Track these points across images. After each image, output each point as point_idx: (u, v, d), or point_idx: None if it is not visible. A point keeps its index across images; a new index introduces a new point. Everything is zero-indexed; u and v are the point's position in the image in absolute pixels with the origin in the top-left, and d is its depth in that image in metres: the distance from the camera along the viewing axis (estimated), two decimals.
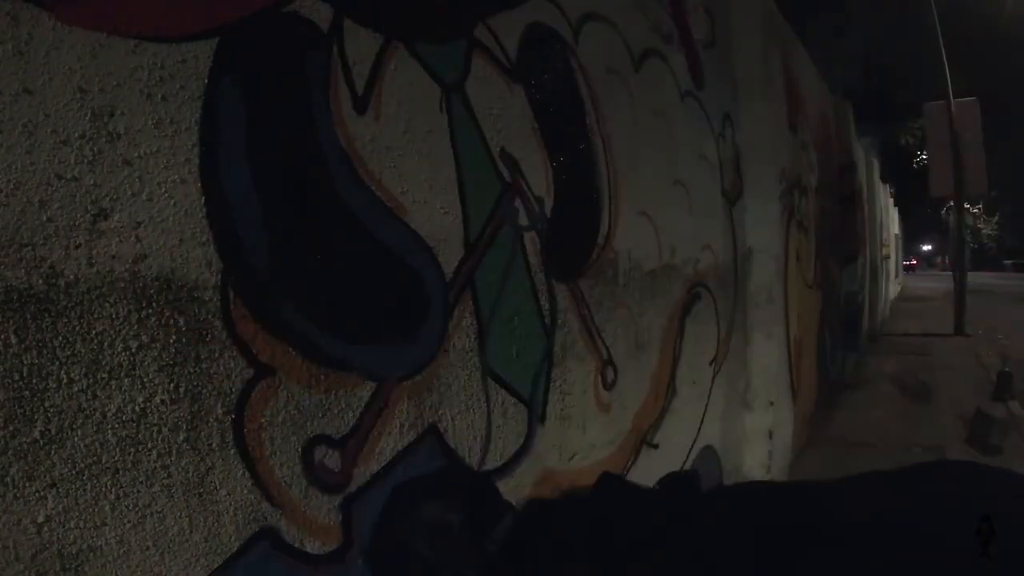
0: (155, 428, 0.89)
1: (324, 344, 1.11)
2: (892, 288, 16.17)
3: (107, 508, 0.84)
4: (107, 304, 0.85)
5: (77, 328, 0.82)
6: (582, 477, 1.78)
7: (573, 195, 1.81)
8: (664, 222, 2.34)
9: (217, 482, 0.96)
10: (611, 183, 2.00)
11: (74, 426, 0.81)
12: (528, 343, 1.61)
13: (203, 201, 0.95)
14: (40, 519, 0.78)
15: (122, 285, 0.86)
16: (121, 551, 0.85)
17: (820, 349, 5.11)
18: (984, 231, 48.32)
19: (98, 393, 0.84)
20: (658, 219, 2.29)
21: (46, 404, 0.79)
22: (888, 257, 13.55)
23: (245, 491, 0.99)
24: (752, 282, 3.28)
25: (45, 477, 0.79)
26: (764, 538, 0.80)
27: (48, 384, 0.79)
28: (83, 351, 0.82)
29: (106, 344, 0.84)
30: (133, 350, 0.87)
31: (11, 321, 0.76)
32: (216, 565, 0.95)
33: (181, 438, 0.92)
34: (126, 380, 0.86)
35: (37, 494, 0.78)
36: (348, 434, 1.16)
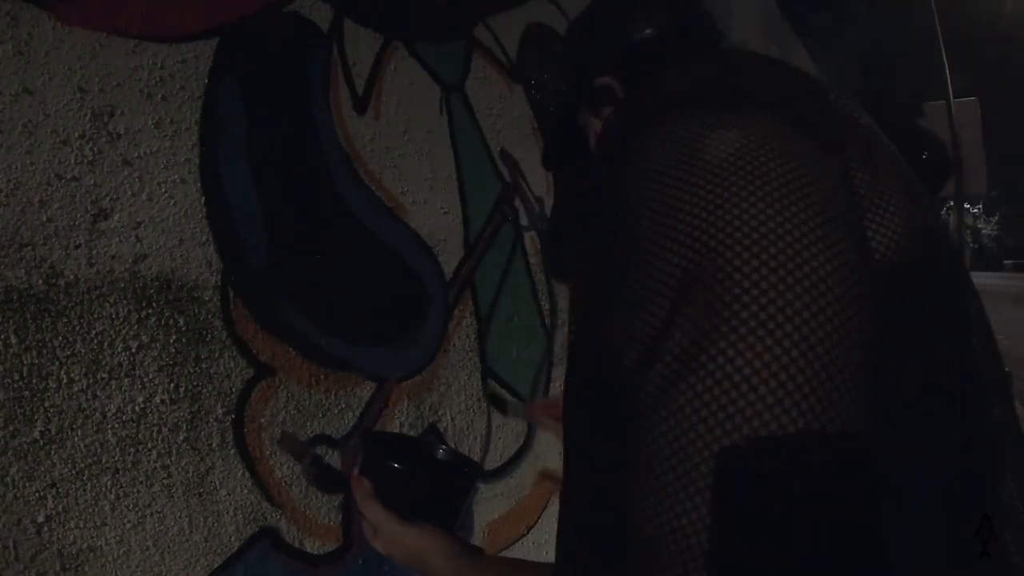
0: (155, 428, 0.89)
1: (324, 344, 1.11)
2: None
3: (107, 508, 0.84)
4: (107, 304, 0.85)
5: (77, 328, 0.82)
6: None
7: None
8: None
9: (217, 482, 0.96)
10: None
11: (74, 426, 0.81)
12: (528, 343, 1.61)
13: (203, 201, 0.95)
14: (40, 519, 0.78)
15: (122, 285, 0.86)
16: (121, 551, 0.85)
17: None
18: (984, 231, 48.35)
19: (98, 393, 0.83)
20: None
21: (46, 404, 0.79)
22: None
23: (245, 491, 0.99)
24: None
25: (45, 477, 0.79)
26: None
27: (48, 384, 0.79)
28: (83, 351, 0.82)
29: (106, 344, 0.84)
30: (133, 350, 0.87)
31: (11, 321, 0.76)
32: (216, 565, 0.95)
33: (181, 438, 0.92)
34: (126, 380, 0.86)
35: (37, 494, 0.78)
36: (348, 434, 1.16)
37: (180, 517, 0.91)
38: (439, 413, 1.35)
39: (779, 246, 0.38)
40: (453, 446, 1.38)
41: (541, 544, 1.62)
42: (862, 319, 0.38)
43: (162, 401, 0.90)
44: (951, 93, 10.57)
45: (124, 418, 0.86)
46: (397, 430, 1.25)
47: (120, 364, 0.86)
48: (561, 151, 0.76)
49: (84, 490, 0.82)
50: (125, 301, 0.86)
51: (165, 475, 0.90)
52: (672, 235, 0.40)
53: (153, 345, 0.89)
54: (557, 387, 1.72)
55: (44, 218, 0.80)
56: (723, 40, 0.64)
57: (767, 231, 0.38)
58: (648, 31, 0.61)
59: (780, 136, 0.42)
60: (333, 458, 1.13)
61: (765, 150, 0.41)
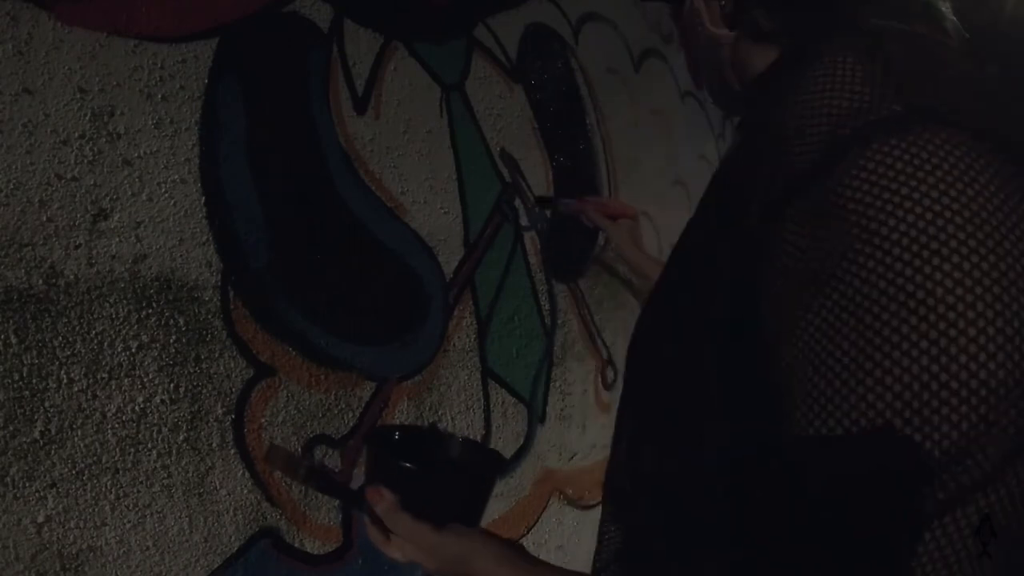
0: (155, 428, 0.89)
1: (324, 344, 1.11)
2: None
3: (107, 508, 0.84)
4: (107, 304, 0.85)
5: (77, 328, 0.82)
6: (583, 477, 1.78)
7: (573, 195, 1.81)
8: (664, 222, 2.34)
9: (217, 482, 0.96)
10: (611, 183, 2.00)
11: (74, 426, 0.81)
12: (528, 343, 1.61)
13: (203, 201, 0.95)
14: (40, 519, 0.78)
15: (122, 285, 0.86)
16: (121, 551, 0.85)
17: None
18: None
19: (98, 393, 0.84)
20: (658, 219, 2.29)
21: (46, 404, 0.79)
22: None
23: (245, 491, 0.99)
24: None
25: (45, 477, 0.79)
26: None
27: (48, 384, 0.79)
28: (83, 351, 0.82)
29: (106, 344, 0.84)
30: (133, 350, 0.87)
31: (11, 321, 0.76)
32: (216, 565, 0.95)
33: (181, 438, 0.92)
34: (126, 380, 0.86)
35: (37, 494, 0.78)
36: (348, 434, 1.16)
37: (180, 517, 0.91)
38: (439, 413, 1.35)
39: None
40: None
41: (541, 544, 1.62)
42: None
43: (162, 401, 0.90)
44: None
45: (124, 418, 0.86)
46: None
47: (120, 364, 0.86)
48: None
49: (84, 490, 0.82)
50: (125, 301, 0.87)
51: (165, 475, 0.90)
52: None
53: (153, 345, 0.89)
54: (558, 387, 1.72)
55: (44, 218, 0.80)
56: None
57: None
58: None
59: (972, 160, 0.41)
60: (333, 458, 1.13)
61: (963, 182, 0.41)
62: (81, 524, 0.82)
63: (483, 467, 0.72)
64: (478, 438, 1.45)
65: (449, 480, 0.66)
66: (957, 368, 0.37)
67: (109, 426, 0.84)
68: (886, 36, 0.50)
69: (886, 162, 0.42)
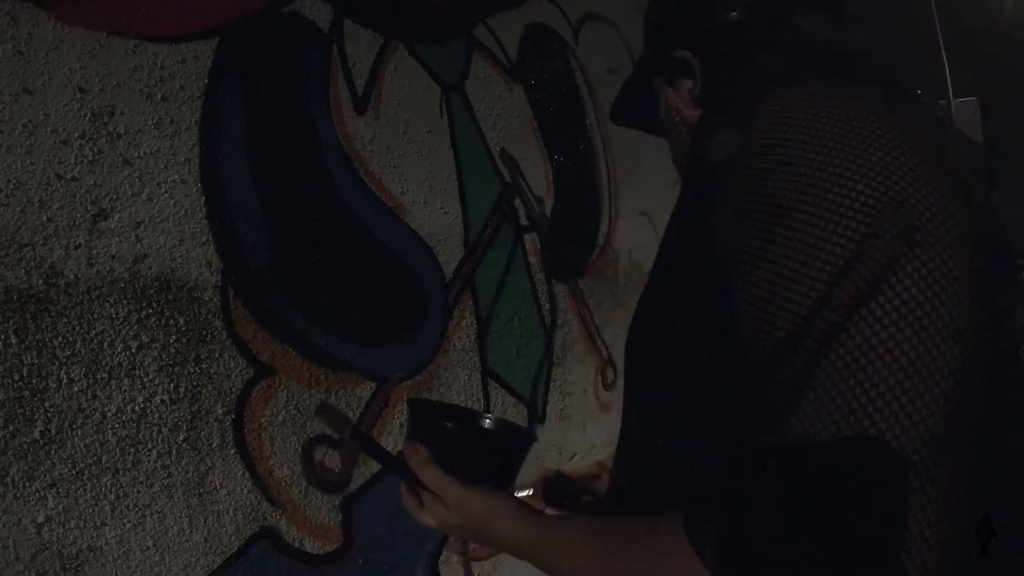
0: (155, 428, 0.89)
1: (324, 344, 1.11)
2: None
3: (107, 508, 0.84)
4: (107, 304, 0.85)
5: (77, 328, 0.82)
6: None
7: (573, 195, 1.81)
8: (664, 222, 2.34)
9: (217, 482, 0.96)
10: (611, 183, 2.00)
11: (74, 426, 0.81)
12: (528, 343, 1.61)
13: (203, 201, 0.95)
14: (40, 519, 0.78)
15: (122, 285, 0.86)
16: (121, 551, 0.85)
17: None
18: None
19: (98, 393, 0.84)
20: (658, 219, 2.29)
21: (46, 404, 0.79)
22: None
23: (245, 491, 0.99)
24: None
25: (45, 477, 0.79)
26: None
27: (48, 384, 0.79)
28: (83, 351, 0.82)
29: (106, 344, 0.84)
30: (133, 350, 0.87)
31: (11, 321, 0.76)
32: (216, 565, 0.95)
33: (181, 438, 0.92)
34: (126, 380, 0.86)
35: (37, 494, 0.78)
36: (348, 435, 1.16)
37: (180, 517, 0.91)
38: None
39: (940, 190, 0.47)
40: None
41: None
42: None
43: (162, 401, 0.90)
44: (951, 93, 10.57)
45: (124, 418, 0.86)
46: (397, 430, 1.25)
47: (120, 364, 0.86)
48: (629, 111, 0.82)
49: (84, 490, 0.82)
50: (125, 301, 0.87)
51: (165, 475, 0.90)
52: (844, 195, 0.47)
53: (153, 345, 0.89)
54: (558, 387, 1.72)
55: (44, 218, 0.80)
56: (799, 31, 0.67)
57: (928, 178, 0.47)
58: (734, 14, 0.65)
59: (887, 97, 0.51)
60: (333, 458, 1.13)
61: (881, 112, 0.49)
62: (81, 524, 0.82)
63: (514, 440, 0.76)
64: None
65: (483, 445, 0.70)
66: (834, 194, 0.46)
67: (109, 426, 0.84)
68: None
69: (769, 115, 0.52)
